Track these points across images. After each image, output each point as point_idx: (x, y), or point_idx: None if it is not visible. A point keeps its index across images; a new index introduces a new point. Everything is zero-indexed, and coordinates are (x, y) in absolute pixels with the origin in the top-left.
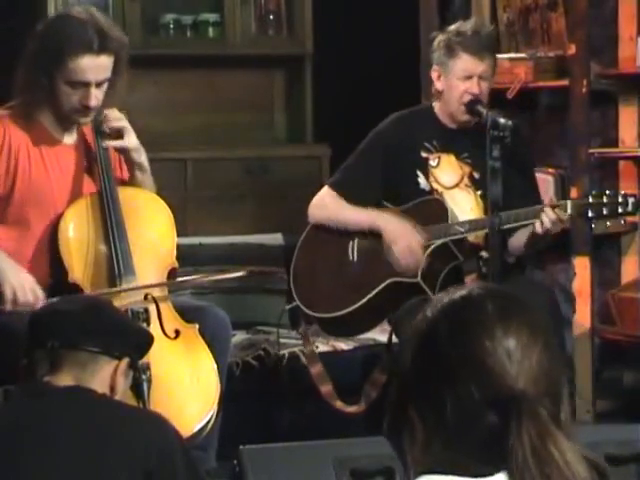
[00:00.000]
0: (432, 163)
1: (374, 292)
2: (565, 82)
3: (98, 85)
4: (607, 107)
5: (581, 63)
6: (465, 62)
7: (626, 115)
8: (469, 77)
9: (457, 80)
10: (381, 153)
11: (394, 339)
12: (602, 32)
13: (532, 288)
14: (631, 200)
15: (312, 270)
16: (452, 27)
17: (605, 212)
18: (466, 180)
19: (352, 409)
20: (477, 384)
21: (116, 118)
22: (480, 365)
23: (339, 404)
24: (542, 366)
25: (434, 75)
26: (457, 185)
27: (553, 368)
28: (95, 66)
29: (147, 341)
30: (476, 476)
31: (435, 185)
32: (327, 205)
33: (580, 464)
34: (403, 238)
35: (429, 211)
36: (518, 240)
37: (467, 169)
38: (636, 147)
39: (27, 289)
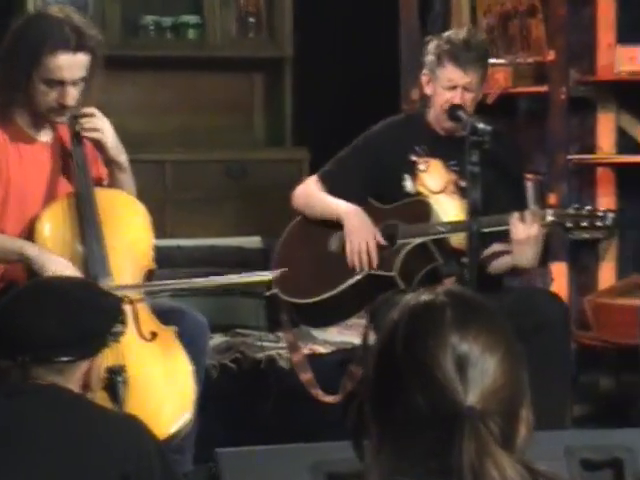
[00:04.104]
0: (421, 167)
1: (349, 282)
2: (544, 88)
3: (74, 84)
4: (585, 114)
5: (560, 69)
6: (450, 72)
7: (604, 122)
8: (453, 87)
9: (442, 88)
10: (370, 154)
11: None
12: (581, 39)
13: (546, 298)
14: (611, 215)
15: (293, 258)
16: (446, 34)
17: (583, 224)
18: (452, 187)
19: (330, 399)
20: (425, 395)
21: (92, 114)
22: (429, 376)
23: (318, 393)
24: (496, 382)
25: (424, 79)
26: (443, 190)
27: (509, 384)
28: (72, 64)
29: (119, 317)
30: None
31: (421, 189)
32: (308, 192)
33: None
34: (358, 236)
35: (414, 211)
36: (499, 265)
37: (453, 177)
38: (614, 154)
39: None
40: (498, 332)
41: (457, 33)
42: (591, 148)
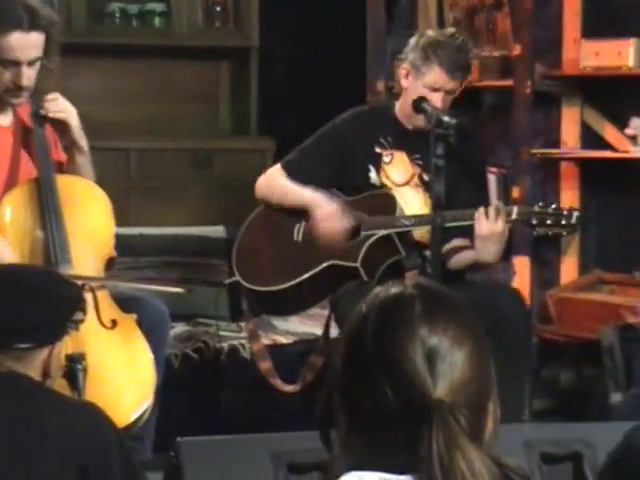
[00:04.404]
0: (385, 159)
1: (312, 272)
2: (509, 82)
3: (30, 64)
4: (550, 108)
5: (525, 63)
6: (438, 76)
7: (568, 117)
8: (437, 89)
9: (424, 88)
10: (335, 144)
11: (332, 322)
12: (547, 33)
13: (507, 297)
14: (575, 214)
15: (256, 246)
16: (434, 33)
17: (549, 222)
18: (416, 180)
19: (289, 388)
20: (393, 387)
21: (56, 101)
22: (398, 369)
23: (277, 382)
24: (464, 375)
25: (402, 72)
26: (407, 183)
27: (478, 377)
28: (25, 44)
29: (79, 305)
30: (401, 472)
31: (385, 181)
32: (273, 181)
33: (490, 476)
34: (326, 221)
35: (378, 204)
36: (460, 260)
37: (417, 170)
38: (578, 149)
39: (6, 256)
40: (466, 325)
41: (449, 37)
42: (555, 142)
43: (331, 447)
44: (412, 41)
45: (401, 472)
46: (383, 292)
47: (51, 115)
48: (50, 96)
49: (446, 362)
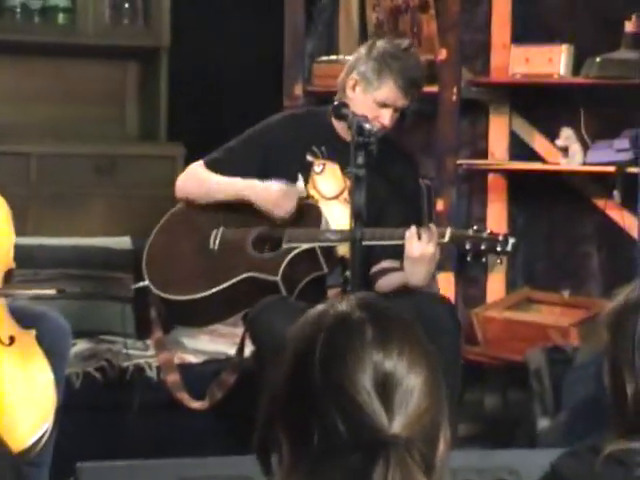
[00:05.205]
0: (316, 169)
1: (229, 282)
2: (434, 88)
3: None
4: (477, 116)
5: (452, 69)
6: (392, 92)
7: (497, 126)
8: (387, 105)
9: (373, 102)
10: (263, 146)
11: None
12: (474, 38)
13: (433, 300)
14: (511, 241)
15: (169, 251)
16: (387, 45)
17: (483, 247)
18: (346, 194)
19: (196, 405)
20: (344, 420)
21: None
22: (349, 401)
23: (184, 397)
24: (420, 406)
25: (350, 83)
26: (336, 197)
27: (432, 404)
28: None
29: None
30: None
31: (313, 192)
32: (197, 175)
33: None
34: (277, 198)
35: (303, 215)
36: (389, 282)
37: (349, 184)
38: (506, 160)
39: None
40: (420, 346)
41: (405, 51)
42: (482, 152)
43: (270, 473)
44: (362, 50)
45: None
46: (328, 314)
47: None
48: None
49: (402, 391)
